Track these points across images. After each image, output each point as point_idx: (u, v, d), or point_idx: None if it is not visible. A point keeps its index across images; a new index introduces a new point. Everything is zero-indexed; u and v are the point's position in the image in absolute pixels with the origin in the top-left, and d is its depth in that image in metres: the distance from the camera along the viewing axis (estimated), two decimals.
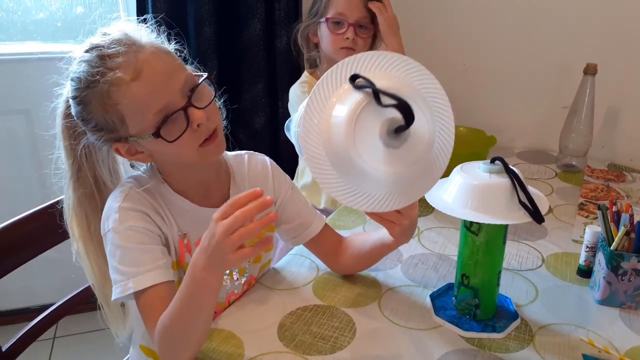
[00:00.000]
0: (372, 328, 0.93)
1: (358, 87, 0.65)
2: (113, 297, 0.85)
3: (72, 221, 0.94)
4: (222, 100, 0.98)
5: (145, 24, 0.87)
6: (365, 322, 0.94)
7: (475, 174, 0.86)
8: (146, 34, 0.85)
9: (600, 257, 0.99)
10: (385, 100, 0.63)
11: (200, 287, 0.74)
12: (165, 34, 0.89)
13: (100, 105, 0.80)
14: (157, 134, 0.81)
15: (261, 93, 1.92)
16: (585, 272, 1.08)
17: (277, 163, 2.05)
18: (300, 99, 1.44)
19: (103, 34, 0.83)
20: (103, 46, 0.80)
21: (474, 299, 0.92)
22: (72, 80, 0.83)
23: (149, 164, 0.95)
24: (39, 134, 1.93)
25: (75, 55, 0.83)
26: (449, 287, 1.03)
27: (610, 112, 1.79)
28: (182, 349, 0.80)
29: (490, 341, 0.89)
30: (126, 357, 1.14)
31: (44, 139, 2.04)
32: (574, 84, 1.62)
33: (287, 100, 1.94)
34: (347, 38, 1.42)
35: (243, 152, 1.07)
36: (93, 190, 0.93)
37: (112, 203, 0.88)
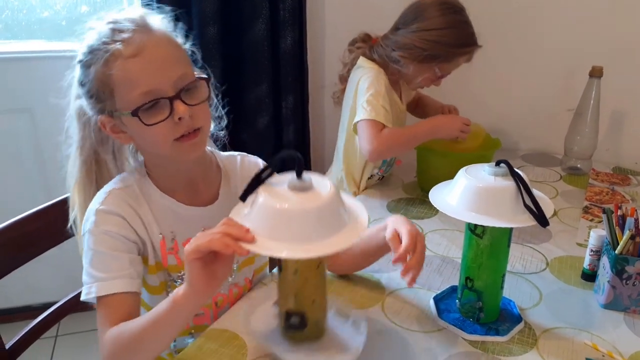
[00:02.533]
0: (375, 330, 0.92)
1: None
2: (81, 297, 0.86)
3: (74, 189, 0.96)
4: (221, 107, 1.00)
5: (165, 13, 0.90)
6: (368, 324, 0.93)
7: (480, 177, 0.86)
8: (161, 23, 0.87)
9: (605, 261, 0.98)
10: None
11: (179, 313, 0.75)
12: (182, 30, 0.91)
13: (97, 72, 0.82)
14: (135, 113, 0.81)
15: (265, 93, 1.92)
16: (590, 276, 1.07)
17: None
18: (372, 77, 1.43)
19: (123, 11, 0.86)
20: (117, 21, 0.83)
21: (477, 302, 0.92)
22: (83, 45, 0.85)
23: (137, 164, 0.96)
24: (42, 132, 1.94)
25: (95, 25, 0.86)
26: (453, 289, 1.03)
27: (616, 115, 1.78)
28: None
29: (493, 344, 0.89)
30: None
31: (46, 138, 2.06)
32: (580, 86, 1.61)
33: (291, 101, 1.95)
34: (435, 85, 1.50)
35: (236, 153, 1.07)
36: (92, 164, 0.94)
37: (93, 205, 0.89)
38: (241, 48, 1.88)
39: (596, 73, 1.56)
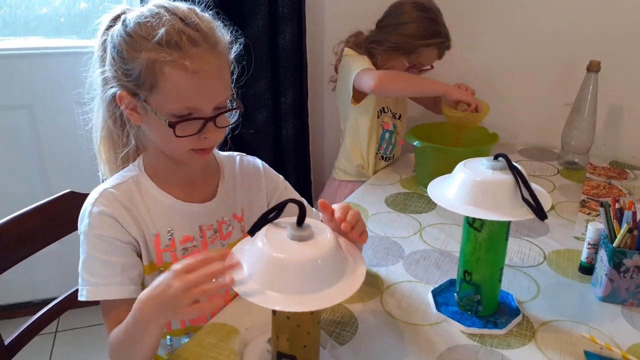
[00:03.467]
0: (374, 323, 0.93)
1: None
2: (78, 296, 0.88)
3: (100, 144, 0.96)
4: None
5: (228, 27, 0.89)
6: (367, 317, 0.94)
7: (478, 171, 0.86)
8: (226, 41, 0.87)
9: (603, 254, 0.99)
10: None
11: (143, 329, 0.76)
12: (242, 45, 0.92)
13: (148, 63, 0.80)
14: (172, 125, 0.81)
15: (264, 89, 1.92)
16: (587, 269, 1.08)
17: (280, 158, 2.07)
18: (357, 58, 1.60)
19: (196, 13, 0.83)
20: (192, 25, 0.81)
21: (475, 295, 0.92)
22: (141, 21, 0.81)
23: (137, 161, 0.96)
24: (42, 129, 1.95)
25: (162, 6, 0.82)
26: (451, 283, 1.03)
27: (613, 110, 1.79)
28: None
29: (491, 337, 0.89)
30: None
31: (46, 134, 2.07)
32: (577, 81, 1.62)
33: (290, 97, 1.95)
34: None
35: (235, 153, 1.08)
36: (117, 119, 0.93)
37: (87, 205, 0.89)
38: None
39: (594, 67, 1.57)
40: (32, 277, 2.03)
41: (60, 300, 1.12)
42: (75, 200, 1.11)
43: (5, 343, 0.99)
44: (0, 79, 1.88)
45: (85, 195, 1.02)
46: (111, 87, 0.87)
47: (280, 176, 1.11)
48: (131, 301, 0.86)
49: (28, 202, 1.07)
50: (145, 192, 0.92)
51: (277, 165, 2.04)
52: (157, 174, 0.94)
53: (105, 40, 0.86)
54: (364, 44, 1.62)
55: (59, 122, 1.97)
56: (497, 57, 1.89)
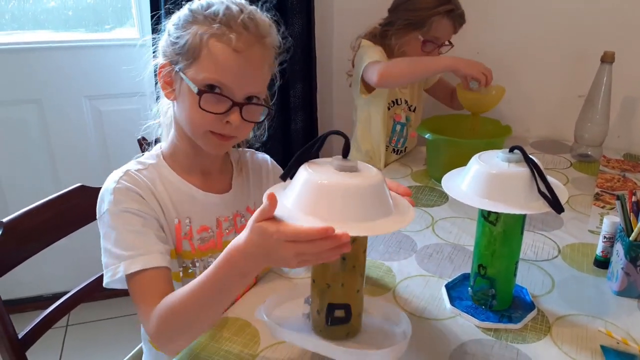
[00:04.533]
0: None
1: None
2: (104, 282, 0.84)
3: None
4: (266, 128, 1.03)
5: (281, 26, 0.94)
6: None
7: (493, 163, 0.85)
8: (274, 39, 0.91)
9: (619, 248, 0.97)
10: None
11: (238, 277, 0.70)
12: (289, 54, 0.97)
13: (197, 34, 0.84)
14: (200, 93, 0.83)
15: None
16: (603, 263, 1.06)
17: (289, 152, 2.05)
18: (370, 49, 1.59)
19: (255, 8, 0.89)
20: (247, 13, 0.86)
21: (490, 290, 0.91)
22: (203, 2, 0.87)
23: (154, 151, 0.97)
24: (50, 123, 1.95)
25: None
26: (465, 277, 1.02)
27: (627, 102, 1.76)
28: (183, 337, 0.78)
29: (506, 332, 0.88)
30: (139, 346, 1.14)
31: (55, 128, 2.07)
32: (590, 72, 1.59)
33: (299, 90, 1.94)
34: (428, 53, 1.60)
35: (247, 149, 1.09)
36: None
37: (108, 185, 0.88)
38: None
39: (608, 58, 1.54)
40: (42, 271, 2.03)
41: (73, 294, 1.12)
42: (85, 194, 1.10)
43: (19, 337, 0.99)
44: (9, 73, 1.88)
45: (95, 189, 1.02)
46: (156, 57, 0.91)
47: None
48: (167, 271, 0.84)
49: (37, 196, 1.07)
50: (166, 179, 0.93)
51: (286, 159, 2.01)
52: (175, 163, 0.95)
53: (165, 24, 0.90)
54: (378, 32, 1.63)
55: (68, 117, 1.97)
56: (508, 48, 1.87)
